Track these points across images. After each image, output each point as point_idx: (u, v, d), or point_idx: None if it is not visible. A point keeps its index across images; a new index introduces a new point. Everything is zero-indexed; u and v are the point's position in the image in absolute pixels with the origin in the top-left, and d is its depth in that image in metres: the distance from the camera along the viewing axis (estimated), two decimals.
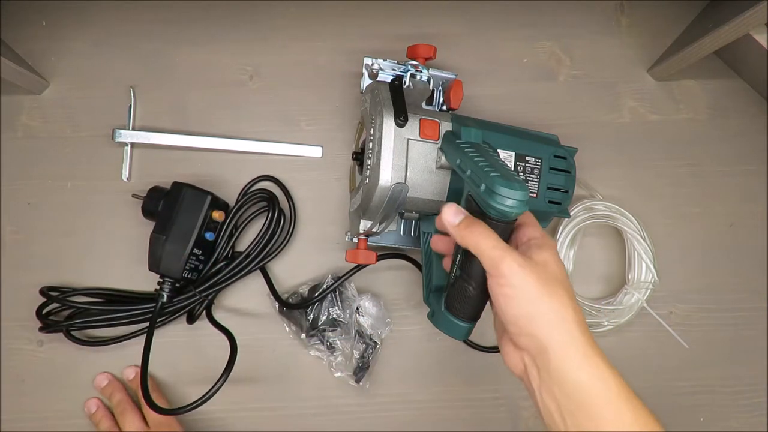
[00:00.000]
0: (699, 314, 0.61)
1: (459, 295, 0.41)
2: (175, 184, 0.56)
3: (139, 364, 0.50)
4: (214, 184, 0.59)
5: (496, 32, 0.65)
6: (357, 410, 0.58)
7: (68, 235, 0.59)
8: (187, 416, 0.56)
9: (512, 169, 0.50)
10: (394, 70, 0.55)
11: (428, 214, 0.51)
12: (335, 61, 0.63)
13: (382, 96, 0.48)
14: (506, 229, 0.38)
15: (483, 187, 0.37)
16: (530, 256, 0.37)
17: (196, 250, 0.54)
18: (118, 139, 0.59)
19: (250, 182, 0.59)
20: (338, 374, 0.57)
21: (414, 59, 0.55)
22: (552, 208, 0.52)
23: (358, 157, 0.54)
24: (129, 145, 0.60)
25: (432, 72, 0.55)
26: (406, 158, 0.46)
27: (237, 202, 0.58)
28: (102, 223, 0.59)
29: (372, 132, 0.48)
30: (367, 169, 0.48)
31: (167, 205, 0.55)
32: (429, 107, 0.56)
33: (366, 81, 0.56)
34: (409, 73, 0.53)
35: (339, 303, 0.57)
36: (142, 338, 0.53)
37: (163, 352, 0.56)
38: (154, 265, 0.54)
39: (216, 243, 0.56)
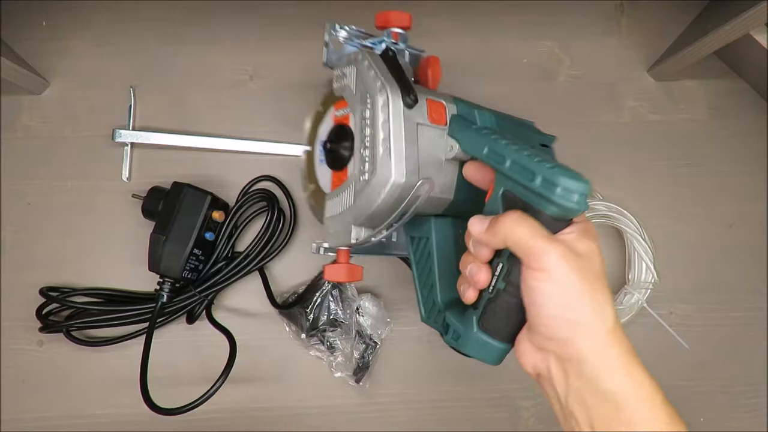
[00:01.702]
0: (699, 314, 0.61)
1: (503, 312, 0.35)
2: (175, 184, 0.56)
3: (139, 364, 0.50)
4: (214, 184, 0.59)
5: (496, 32, 0.65)
6: (357, 410, 0.58)
7: (68, 235, 0.59)
8: (186, 416, 0.55)
9: None
10: (362, 39, 0.46)
11: (423, 215, 0.43)
12: None
13: (379, 69, 0.38)
14: (557, 227, 0.33)
15: (539, 180, 0.32)
16: (573, 246, 0.33)
17: (196, 250, 0.54)
18: (118, 139, 0.59)
19: (250, 182, 0.59)
20: (338, 374, 0.57)
21: (384, 29, 0.46)
22: None
23: (334, 147, 0.44)
24: (129, 145, 0.60)
25: (401, 47, 0.46)
26: (417, 147, 0.38)
27: (237, 202, 0.58)
28: (102, 223, 0.59)
29: (366, 115, 0.38)
30: (364, 161, 0.39)
31: (167, 205, 0.55)
32: None
33: (331, 53, 0.45)
34: (383, 45, 0.45)
35: (339, 303, 0.57)
36: (142, 338, 0.53)
37: (163, 352, 0.56)
38: (154, 265, 0.54)
39: (216, 243, 0.56)
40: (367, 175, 0.38)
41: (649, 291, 0.58)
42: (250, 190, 0.59)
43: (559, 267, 0.31)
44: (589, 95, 0.64)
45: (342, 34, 0.45)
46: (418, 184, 0.37)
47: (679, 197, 0.63)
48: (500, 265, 0.35)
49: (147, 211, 0.56)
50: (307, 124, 0.49)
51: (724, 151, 0.64)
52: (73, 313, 0.56)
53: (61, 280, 0.58)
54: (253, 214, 0.58)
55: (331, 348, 0.57)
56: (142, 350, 0.50)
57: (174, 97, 0.62)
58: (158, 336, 0.55)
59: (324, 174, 0.46)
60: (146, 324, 0.55)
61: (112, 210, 0.59)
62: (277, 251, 0.58)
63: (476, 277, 0.36)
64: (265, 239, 0.56)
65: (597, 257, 0.33)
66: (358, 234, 0.41)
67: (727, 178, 0.63)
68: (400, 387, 0.59)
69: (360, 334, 0.58)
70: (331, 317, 0.57)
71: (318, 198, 0.47)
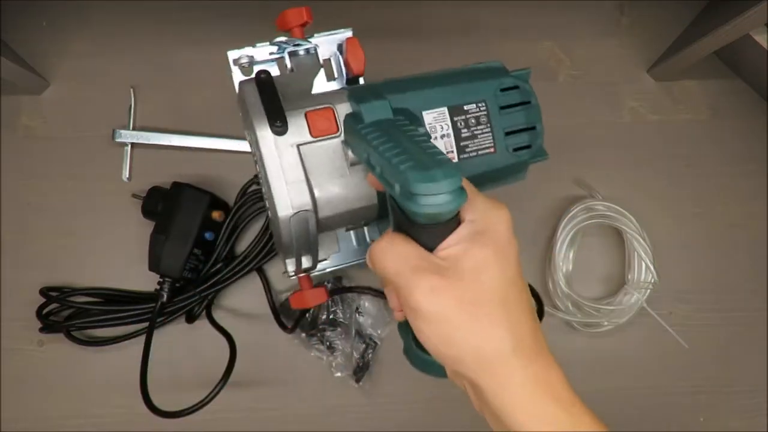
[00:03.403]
0: (699, 314, 0.61)
1: None
2: (175, 184, 0.56)
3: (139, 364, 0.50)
4: (214, 184, 0.59)
5: (495, 32, 0.65)
6: (357, 410, 0.58)
7: (68, 235, 0.59)
8: (185, 417, 0.55)
9: (449, 131, 0.38)
10: (272, 54, 0.43)
11: (371, 221, 0.41)
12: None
13: (249, 101, 0.36)
14: (449, 228, 0.29)
15: (397, 187, 0.27)
16: (454, 265, 0.28)
17: (195, 250, 0.54)
18: (118, 139, 0.59)
19: (249, 182, 0.59)
20: (338, 374, 0.57)
21: (288, 31, 0.43)
22: (521, 156, 0.41)
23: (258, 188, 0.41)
24: (129, 145, 0.60)
25: (320, 38, 0.43)
26: (303, 170, 0.35)
27: (236, 202, 0.58)
28: (102, 223, 0.59)
29: (254, 152, 0.36)
30: (265, 199, 0.38)
31: (167, 205, 0.55)
32: (332, 82, 0.45)
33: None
34: (287, 52, 0.42)
35: (339, 303, 0.57)
36: (142, 338, 0.53)
37: (163, 352, 0.56)
38: (154, 265, 0.54)
39: (216, 243, 0.56)
40: (269, 212, 0.38)
41: (648, 291, 0.58)
42: (250, 189, 0.59)
43: (430, 304, 0.27)
44: (589, 95, 0.64)
45: (244, 60, 0.42)
46: (291, 218, 0.35)
47: (679, 197, 0.63)
48: None
49: (147, 211, 0.56)
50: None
51: (724, 151, 0.64)
52: (73, 313, 0.56)
53: (61, 280, 0.58)
54: (253, 214, 0.58)
55: (331, 348, 0.57)
56: (142, 350, 0.50)
57: (174, 97, 0.62)
58: (158, 336, 0.55)
59: None
60: (146, 324, 0.55)
61: (112, 210, 0.59)
62: (276, 251, 0.58)
63: (391, 303, 0.33)
64: (264, 239, 0.56)
65: (491, 268, 0.28)
66: (291, 265, 0.39)
67: (727, 178, 0.63)
68: (400, 387, 0.59)
69: (360, 334, 0.58)
70: (331, 317, 0.57)
71: None
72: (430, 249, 0.29)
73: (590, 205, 0.59)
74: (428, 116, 0.38)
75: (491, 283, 0.28)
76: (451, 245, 0.28)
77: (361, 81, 0.45)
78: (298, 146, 0.35)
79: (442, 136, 0.39)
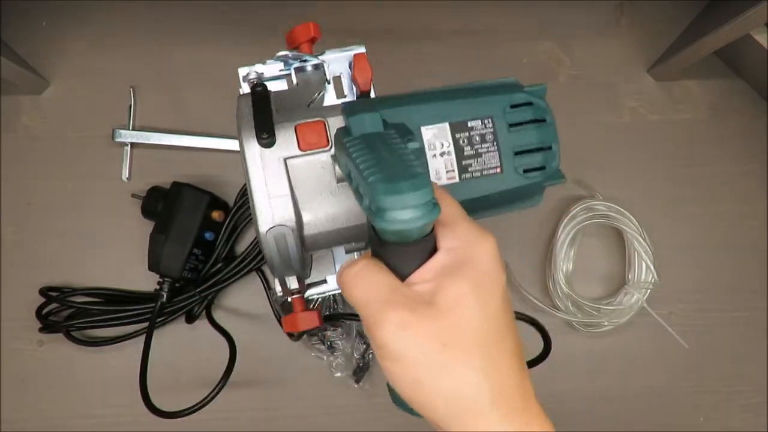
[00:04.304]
0: (699, 314, 0.61)
1: None
2: (175, 184, 0.56)
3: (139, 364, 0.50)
4: (214, 184, 0.59)
5: (494, 32, 0.65)
6: (357, 410, 0.58)
7: (68, 235, 0.59)
8: (185, 417, 0.55)
9: (449, 149, 0.36)
10: (282, 70, 0.43)
11: (365, 241, 0.38)
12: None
13: (241, 113, 0.35)
14: (423, 250, 0.26)
15: (367, 201, 0.25)
16: (429, 300, 0.25)
17: (195, 250, 0.54)
18: (118, 139, 0.59)
19: None
20: (338, 374, 0.57)
21: (296, 48, 0.42)
22: (532, 178, 0.38)
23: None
24: (129, 145, 0.60)
25: (330, 54, 0.42)
26: (289, 185, 0.33)
27: (236, 202, 0.58)
28: (102, 223, 0.59)
29: (242, 164, 0.35)
30: (251, 214, 0.36)
31: (167, 205, 0.55)
32: (342, 99, 0.44)
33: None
34: (293, 68, 0.42)
35: (340, 302, 0.57)
36: (142, 338, 0.53)
37: (163, 352, 0.56)
38: (154, 265, 0.54)
39: (216, 243, 0.56)
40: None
41: (649, 291, 0.58)
42: None
43: (398, 342, 0.24)
44: (589, 95, 0.64)
45: (252, 76, 0.42)
46: (266, 234, 0.33)
47: (679, 197, 0.63)
48: None
49: (147, 211, 0.56)
50: None
51: (724, 151, 0.64)
52: (73, 313, 0.56)
53: (61, 280, 0.58)
54: None
55: (331, 348, 0.57)
56: (142, 350, 0.50)
57: (174, 97, 0.62)
58: (158, 336, 0.55)
59: None
60: (146, 324, 0.55)
61: (112, 210, 0.59)
62: None
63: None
64: None
65: (469, 304, 0.24)
66: (279, 286, 0.38)
67: (727, 178, 0.63)
68: None
69: (360, 334, 0.57)
70: None
71: None
72: (404, 274, 0.27)
73: (590, 205, 0.59)
74: (427, 132, 0.36)
75: (469, 322, 0.24)
76: (425, 277, 0.26)
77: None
78: (285, 160, 0.34)
79: (442, 154, 0.36)
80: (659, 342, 0.60)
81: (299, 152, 0.34)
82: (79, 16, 0.62)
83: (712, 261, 0.62)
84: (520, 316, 0.46)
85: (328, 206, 0.34)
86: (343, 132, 0.33)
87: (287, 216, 0.33)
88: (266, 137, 0.33)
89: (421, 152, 0.35)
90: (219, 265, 0.56)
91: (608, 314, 0.58)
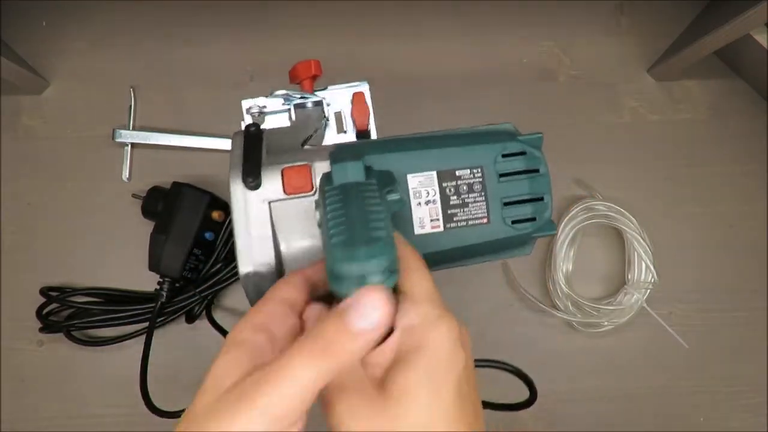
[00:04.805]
0: (699, 314, 0.61)
1: None
2: (175, 184, 0.56)
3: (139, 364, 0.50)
4: (214, 184, 0.59)
5: (495, 32, 0.65)
6: None
7: (68, 235, 0.59)
8: None
9: (435, 197, 0.35)
10: (284, 104, 0.43)
11: None
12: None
13: (233, 152, 0.35)
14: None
15: (327, 263, 0.25)
16: (382, 382, 0.24)
17: (195, 250, 0.54)
18: (118, 139, 0.59)
19: None
20: None
21: (298, 84, 0.43)
22: (521, 229, 0.37)
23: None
24: (129, 145, 0.60)
25: (334, 90, 0.43)
26: (271, 227, 0.33)
27: None
28: (102, 223, 0.59)
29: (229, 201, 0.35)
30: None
31: (167, 205, 0.55)
32: (342, 135, 0.44)
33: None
34: (292, 104, 0.42)
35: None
36: (142, 338, 0.53)
37: (163, 352, 0.56)
38: (154, 265, 0.54)
39: (216, 243, 0.56)
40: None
41: (648, 291, 0.58)
42: None
43: (348, 428, 0.23)
44: (589, 95, 0.64)
45: (255, 110, 0.42)
46: (242, 278, 0.34)
47: (679, 197, 0.63)
48: None
49: (147, 211, 0.56)
50: None
51: (724, 151, 0.64)
52: (73, 313, 0.56)
53: (61, 280, 0.58)
54: None
55: None
56: (142, 350, 0.50)
57: (174, 97, 0.62)
58: (158, 336, 0.55)
59: None
60: (146, 324, 0.55)
61: (112, 210, 0.59)
62: None
63: None
64: None
65: (419, 396, 0.23)
66: None
67: (727, 178, 0.63)
68: None
69: None
70: None
71: None
72: None
73: (590, 205, 0.59)
74: (413, 180, 0.35)
75: (416, 418, 0.23)
76: (378, 360, 0.24)
77: (373, 134, 0.44)
78: (269, 203, 0.34)
79: (427, 202, 0.36)
80: (659, 342, 0.60)
81: (284, 196, 0.34)
82: (79, 16, 0.62)
83: (712, 261, 0.62)
84: (505, 367, 0.44)
85: (308, 251, 0.34)
86: (326, 179, 0.32)
87: (267, 258, 0.34)
88: (252, 181, 0.33)
89: (401, 203, 0.34)
90: (219, 265, 0.56)
91: (608, 314, 0.58)
